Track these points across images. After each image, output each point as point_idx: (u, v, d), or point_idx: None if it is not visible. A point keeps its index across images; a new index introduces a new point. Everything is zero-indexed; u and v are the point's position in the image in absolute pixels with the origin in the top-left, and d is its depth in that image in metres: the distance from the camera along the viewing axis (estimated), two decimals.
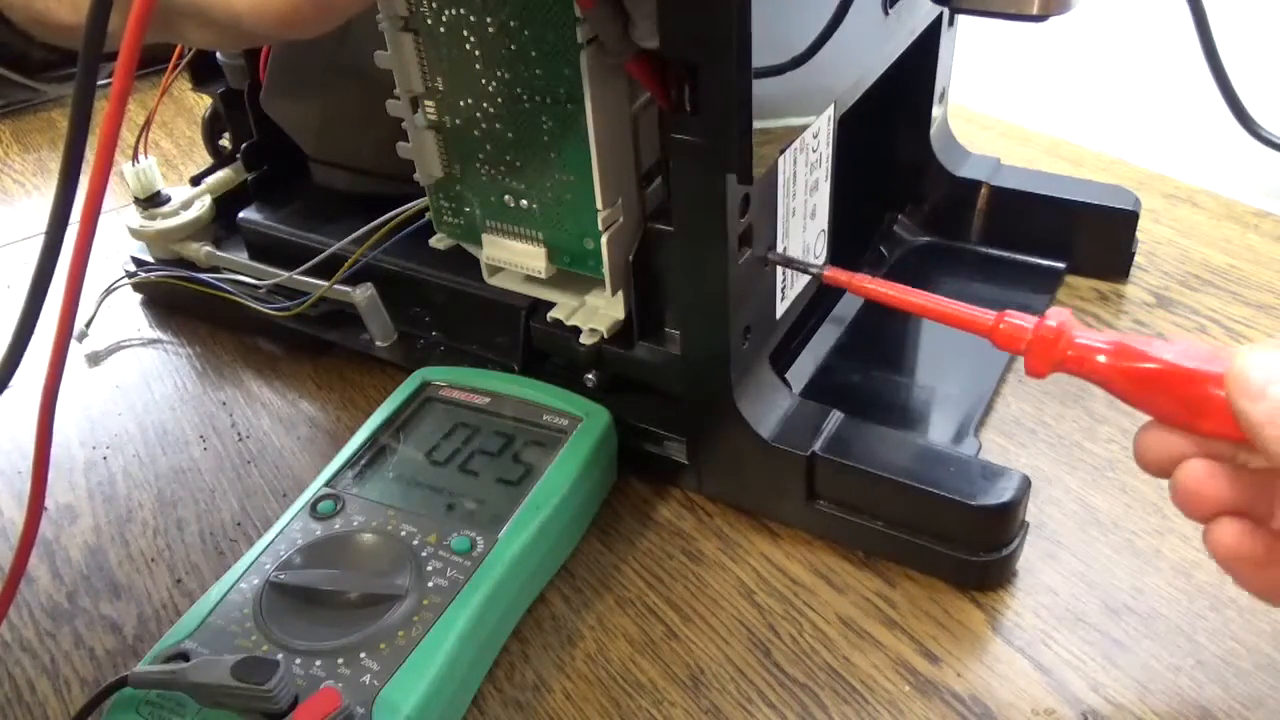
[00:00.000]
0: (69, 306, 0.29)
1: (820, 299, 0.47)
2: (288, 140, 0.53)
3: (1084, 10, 0.38)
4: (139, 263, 0.55)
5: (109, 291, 0.55)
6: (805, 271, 0.39)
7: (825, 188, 0.42)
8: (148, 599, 0.40)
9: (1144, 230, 0.53)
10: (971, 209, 0.53)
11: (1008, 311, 0.32)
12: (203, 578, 0.41)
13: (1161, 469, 0.31)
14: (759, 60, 0.30)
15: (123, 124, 0.27)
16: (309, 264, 0.48)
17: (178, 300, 0.55)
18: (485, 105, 0.38)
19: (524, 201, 0.40)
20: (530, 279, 0.42)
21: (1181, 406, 0.30)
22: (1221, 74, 0.46)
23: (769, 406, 0.39)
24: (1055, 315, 0.31)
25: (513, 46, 0.36)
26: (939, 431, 0.44)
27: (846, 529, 0.39)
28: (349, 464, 0.40)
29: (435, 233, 0.44)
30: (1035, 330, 0.32)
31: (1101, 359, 0.30)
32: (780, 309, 0.42)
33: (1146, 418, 0.31)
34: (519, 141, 0.38)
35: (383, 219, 0.45)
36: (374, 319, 0.48)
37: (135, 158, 0.53)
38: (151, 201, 0.53)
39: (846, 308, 0.49)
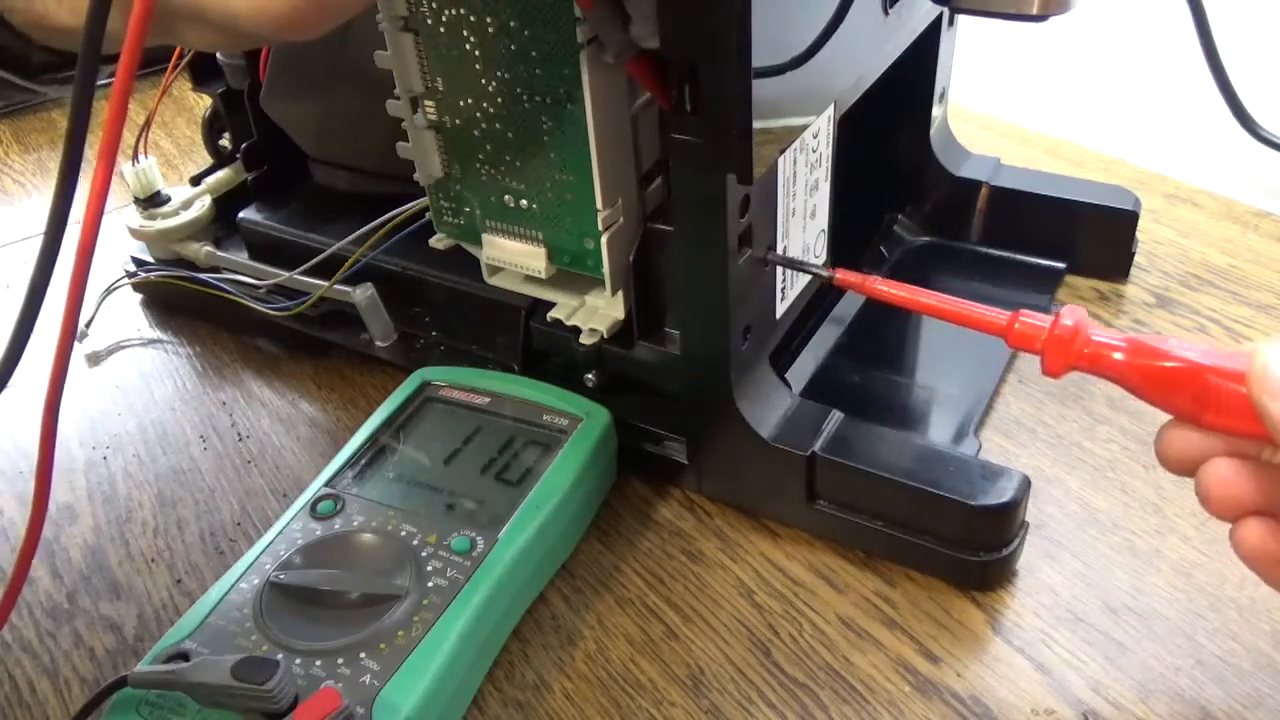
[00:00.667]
0: (72, 307, 0.29)
1: (820, 299, 0.47)
2: (288, 140, 0.53)
3: (1084, 10, 0.38)
4: (139, 263, 0.55)
5: (109, 291, 0.55)
6: (816, 275, 0.39)
7: (825, 188, 0.42)
8: (148, 599, 0.40)
9: (1144, 230, 0.53)
10: (971, 209, 0.53)
11: (1022, 311, 0.32)
12: (203, 578, 0.41)
13: (1184, 468, 0.30)
14: (759, 60, 0.30)
15: (123, 124, 0.27)
16: (309, 264, 0.48)
17: (178, 300, 0.55)
18: (485, 105, 0.38)
19: (524, 201, 0.40)
20: (530, 279, 0.42)
21: (1202, 404, 0.29)
22: (1221, 74, 0.46)
23: (769, 406, 0.39)
24: (1070, 314, 0.31)
25: (513, 46, 0.36)
26: (939, 431, 0.44)
27: (846, 529, 0.39)
28: (349, 464, 0.40)
29: (435, 233, 0.44)
30: (1051, 330, 0.31)
31: (1118, 356, 0.30)
32: (780, 309, 0.42)
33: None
34: (519, 141, 0.38)
35: (383, 219, 0.45)
36: (374, 319, 0.48)
37: (135, 158, 0.53)
38: (151, 201, 0.53)
39: (846, 308, 0.49)
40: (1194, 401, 0.29)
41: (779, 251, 0.39)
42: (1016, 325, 0.32)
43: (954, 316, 0.33)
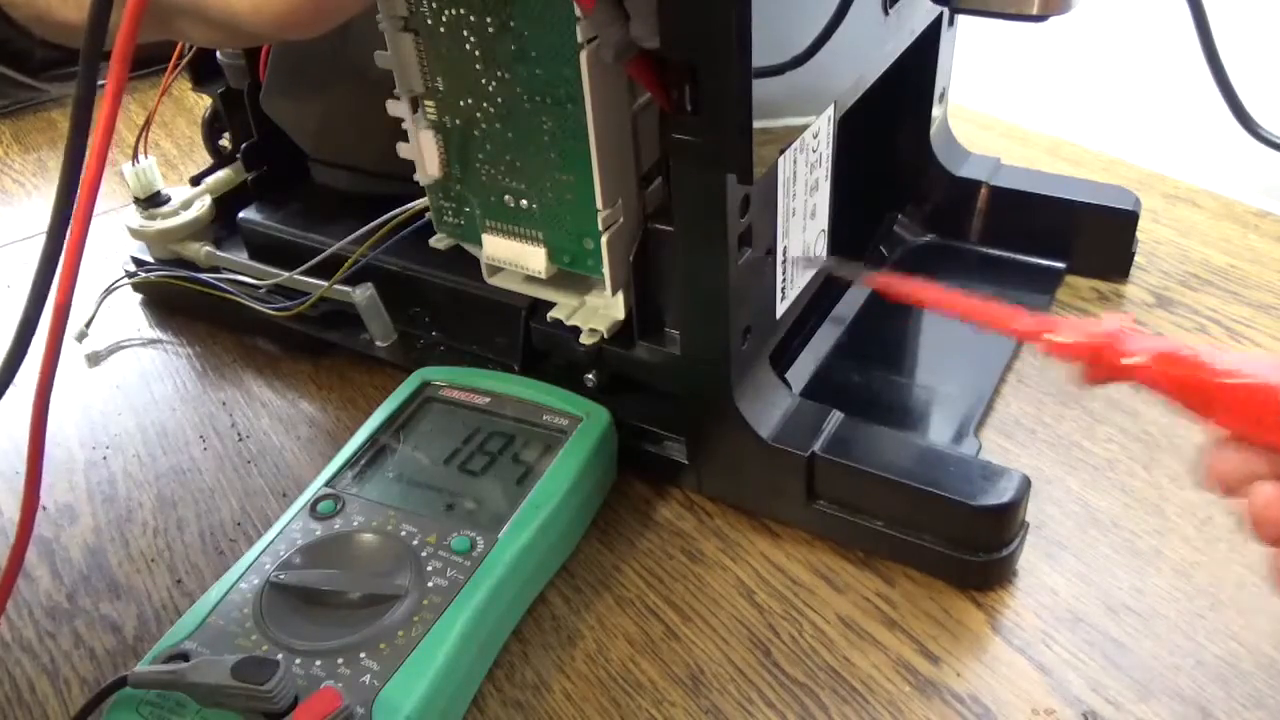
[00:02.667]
0: (64, 296, 0.29)
1: (820, 299, 0.47)
2: (288, 140, 0.53)
3: (1084, 10, 0.38)
4: (139, 263, 0.55)
5: (109, 291, 0.55)
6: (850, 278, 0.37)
7: (825, 188, 0.42)
8: (148, 599, 0.40)
9: (1144, 230, 0.53)
10: (971, 209, 0.53)
11: (1060, 319, 0.31)
12: (203, 578, 0.41)
13: (1230, 489, 0.29)
14: (759, 60, 0.30)
15: (123, 123, 0.27)
16: (309, 264, 0.48)
17: (178, 300, 0.55)
18: (485, 105, 0.38)
19: (524, 201, 0.40)
20: (530, 279, 0.42)
21: (1251, 421, 0.28)
22: (1221, 74, 0.46)
23: (769, 406, 0.39)
24: (1110, 323, 0.30)
25: (513, 46, 0.36)
26: (939, 431, 0.44)
27: (846, 529, 0.39)
28: (349, 464, 0.40)
29: (435, 233, 0.44)
30: (1090, 340, 0.30)
31: (1157, 369, 0.29)
32: (780, 309, 0.42)
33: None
34: (519, 141, 0.38)
35: (383, 219, 0.45)
36: (374, 319, 0.48)
37: (135, 158, 0.53)
38: (151, 201, 0.53)
39: (846, 308, 0.49)
40: (1245, 419, 0.28)
41: (779, 252, 0.39)
42: (1053, 334, 0.31)
43: (989, 320, 0.33)
